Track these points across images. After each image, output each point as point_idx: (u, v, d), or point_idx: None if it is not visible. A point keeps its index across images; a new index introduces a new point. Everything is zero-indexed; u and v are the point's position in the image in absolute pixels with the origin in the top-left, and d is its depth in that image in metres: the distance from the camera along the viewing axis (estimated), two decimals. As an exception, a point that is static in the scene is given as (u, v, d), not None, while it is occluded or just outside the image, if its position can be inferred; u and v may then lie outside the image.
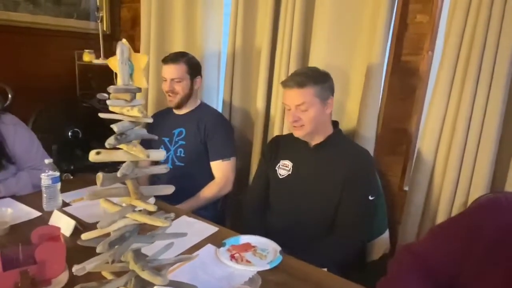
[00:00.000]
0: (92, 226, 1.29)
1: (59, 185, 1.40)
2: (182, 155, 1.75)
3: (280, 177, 1.44)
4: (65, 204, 1.44)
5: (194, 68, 1.75)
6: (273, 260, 1.12)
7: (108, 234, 0.72)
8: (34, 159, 1.57)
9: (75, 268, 0.63)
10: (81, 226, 1.26)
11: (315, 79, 1.32)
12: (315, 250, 1.29)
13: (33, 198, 1.45)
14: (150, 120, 0.65)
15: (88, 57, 2.53)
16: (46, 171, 1.36)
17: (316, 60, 1.66)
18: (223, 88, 2.07)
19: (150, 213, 0.71)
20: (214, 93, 2.20)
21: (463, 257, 0.86)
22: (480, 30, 1.26)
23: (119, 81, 0.63)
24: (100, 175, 0.61)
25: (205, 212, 1.62)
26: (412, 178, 1.51)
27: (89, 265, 0.63)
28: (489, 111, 1.28)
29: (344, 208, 1.32)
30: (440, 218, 1.42)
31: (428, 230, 1.04)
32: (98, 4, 2.57)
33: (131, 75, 0.63)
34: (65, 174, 2.22)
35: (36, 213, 1.35)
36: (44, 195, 1.37)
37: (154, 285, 0.76)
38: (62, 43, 2.56)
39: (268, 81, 1.87)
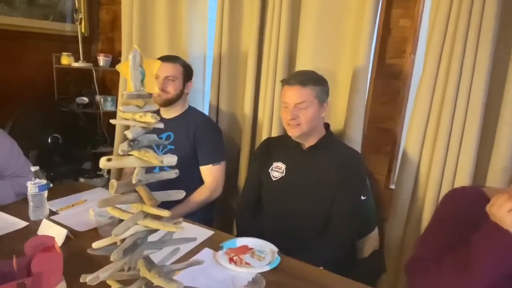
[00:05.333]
0: (83, 235, 1.26)
1: (46, 193, 1.35)
2: None
3: (274, 179, 1.46)
4: (52, 213, 1.40)
5: (188, 72, 1.78)
6: (271, 261, 1.13)
7: (115, 243, 0.71)
8: (15, 167, 1.51)
9: (89, 278, 0.61)
10: (72, 235, 1.22)
11: (316, 80, 1.37)
12: (310, 250, 1.32)
13: (17, 207, 1.40)
14: (162, 125, 0.65)
15: (66, 60, 2.45)
16: (33, 179, 1.31)
17: (303, 64, 1.70)
18: (210, 92, 2.07)
19: (156, 218, 0.71)
20: (200, 96, 2.19)
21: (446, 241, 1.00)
22: (461, 33, 1.33)
23: (131, 87, 0.62)
24: (114, 182, 0.60)
25: (193, 218, 1.61)
26: (398, 176, 1.57)
27: (103, 274, 0.62)
28: (470, 110, 1.35)
29: (337, 208, 1.36)
30: (426, 215, 1.48)
31: (417, 240, 1.15)
32: (76, 6, 2.50)
33: (142, 81, 0.63)
34: (47, 182, 2.14)
35: (22, 223, 1.29)
36: (31, 203, 1.32)
37: (163, 291, 0.76)
38: (39, 46, 2.47)
39: (255, 85, 1.89)
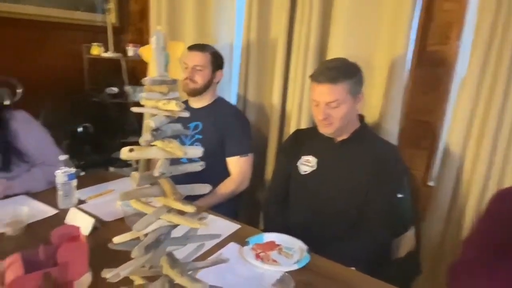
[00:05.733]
0: (110, 224, 1.25)
1: (75, 182, 1.36)
2: None
3: (303, 173, 1.39)
4: (81, 202, 1.41)
5: (217, 60, 1.73)
6: (300, 260, 1.08)
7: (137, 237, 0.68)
8: (47, 156, 1.53)
9: (110, 275, 0.58)
10: (99, 224, 1.22)
11: (347, 73, 1.25)
12: (340, 248, 1.25)
13: (47, 195, 1.41)
14: (187, 114, 0.60)
15: (96, 50, 2.48)
16: (62, 167, 1.31)
17: (336, 52, 1.60)
18: (238, 82, 2.02)
19: (180, 213, 0.67)
20: (226, 87, 2.15)
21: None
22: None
23: (153, 72, 0.58)
24: (135, 175, 0.57)
25: (218, 210, 1.58)
26: (438, 173, 1.46)
27: (123, 271, 0.58)
28: (524, 102, 1.22)
29: (371, 205, 1.27)
30: (468, 215, 1.37)
31: (463, 242, 1.05)
32: (106, -5, 2.51)
33: (166, 66, 0.58)
34: (77, 170, 2.19)
35: (52, 211, 1.31)
36: (60, 192, 1.33)
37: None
38: (69, 36, 2.51)
39: (284, 75, 1.82)
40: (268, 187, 1.65)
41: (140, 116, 2.58)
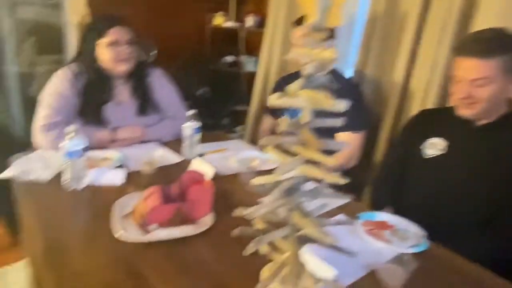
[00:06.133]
0: (224, 178, 1.34)
1: (198, 135, 1.48)
2: None
3: (426, 157, 1.27)
4: (199, 155, 1.53)
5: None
6: (417, 245, 1.00)
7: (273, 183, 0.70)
8: (177, 110, 1.70)
9: (246, 212, 0.62)
10: (216, 176, 1.31)
11: (503, 46, 1.07)
12: (464, 245, 1.11)
13: (174, 145, 1.57)
14: (335, 66, 0.58)
15: (219, 19, 2.62)
16: (190, 121, 1.44)
17: (484, 23, 1.39)
18: (357, 56, 1.92)
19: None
20: (342, 59, 2.07)
21: None
22: None
23: (312, 18, 0.57)
24: (285, 120, 0.58)
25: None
26: None
27: (259, 211, 0.61)
28: None
29: (511, 202, 1.10)
30: None
31: None
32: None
33: (326, 12, 0.57)
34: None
35: (177, 159, 1.46)
36: (186, 143, 1.46)
37: (311, 242, 0.73)
38: (195, 5, 2.69)
39: (411, 51, 1.66)
40: (381, 167, 1.55)
41: (250, 86, 2.68)
